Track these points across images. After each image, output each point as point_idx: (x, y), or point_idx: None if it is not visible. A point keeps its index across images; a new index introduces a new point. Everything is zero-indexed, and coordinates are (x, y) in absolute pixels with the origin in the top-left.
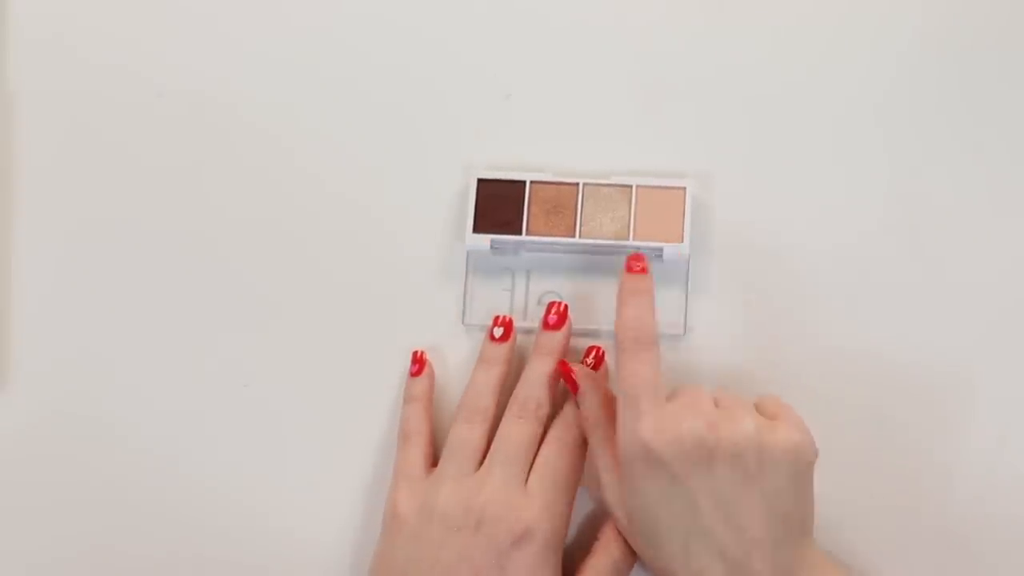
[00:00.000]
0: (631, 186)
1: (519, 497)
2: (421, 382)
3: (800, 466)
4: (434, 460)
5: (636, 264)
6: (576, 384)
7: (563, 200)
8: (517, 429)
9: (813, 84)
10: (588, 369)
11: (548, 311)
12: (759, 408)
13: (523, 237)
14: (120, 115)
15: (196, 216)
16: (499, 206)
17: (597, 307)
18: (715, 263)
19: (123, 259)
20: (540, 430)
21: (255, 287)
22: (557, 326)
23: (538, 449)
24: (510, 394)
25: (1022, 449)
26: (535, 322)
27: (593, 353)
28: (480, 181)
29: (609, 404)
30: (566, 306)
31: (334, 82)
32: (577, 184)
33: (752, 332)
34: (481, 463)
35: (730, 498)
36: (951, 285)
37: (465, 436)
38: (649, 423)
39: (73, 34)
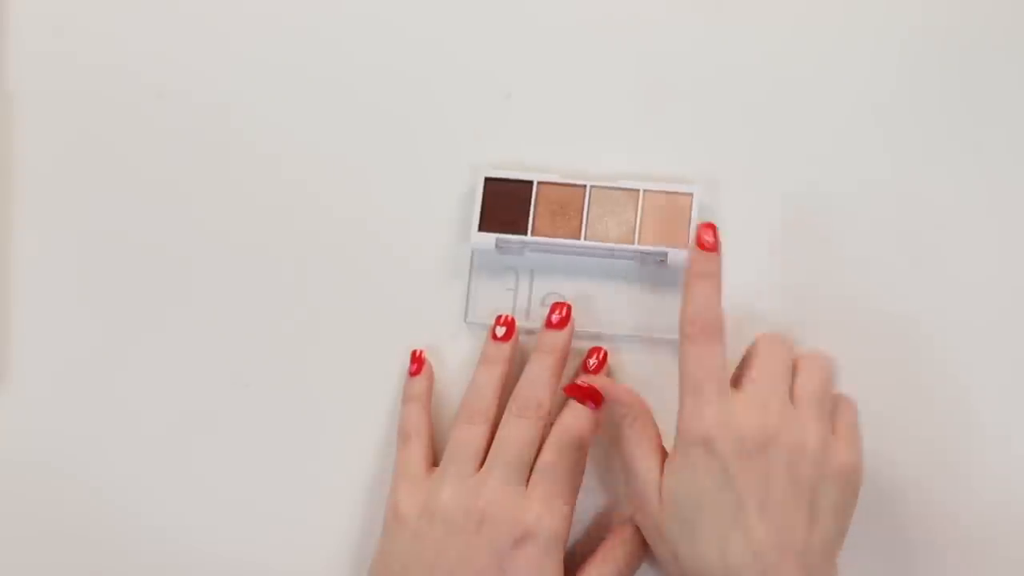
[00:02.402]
0: (638, 190)
1: (520, 498)
2: (420, 381)
3: (849, 490)
4: (434, 459)
5: (706, 238)
6: (599, 395)
7: (569, 202)
8: (518, 429)
9: (815, 88)
10: (603, 377)
11: (552, 311)
12: (834, 411)
13: (528, 237)
14: (120, 116)
15: (197, 216)
16: (505, 206)
17: (600, 310)
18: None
19: (123, 258)
20: (541, 430)
21: (258, 285)
22: (560, 326)
23: (539, 449)
24: (511, 394)
25: (1023, 448)
26: (537, 323)
27: (596, 355)
28: (487, 180)
29: (641, 399)
30: (570, 307)
31: (335, 82)
32: (584, 186)
33: (754, 335)
34: (482, 463)
35: (778, 503)
36: (953, 287)
37: (466, 436)
38: (713, 413)
39: (73, 34)
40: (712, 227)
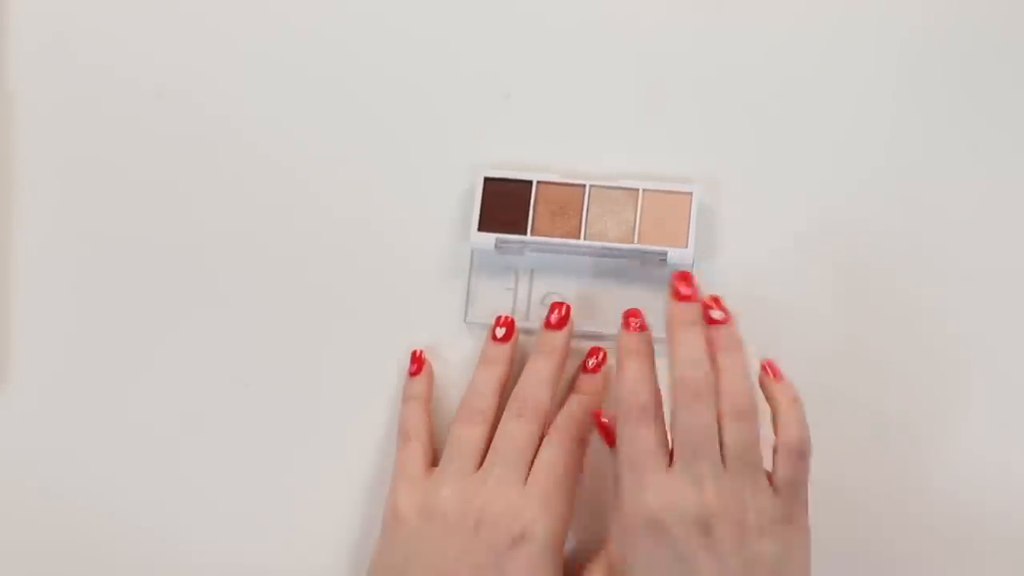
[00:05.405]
0: (638, 189)
1: (518, 497)
2: (420, 381)
3: (789, 542)
4: (434, 459)
5: (634, 321)
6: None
7: (569, 201)
8: (517, 429)
9: (815, 88)
10: None
11: (551, 311)
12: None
13: (528, 237)
14: (119, 116)
15: (197, 216)
16: (505, 205)
17: (600, 309)
18: (718, 267)
19: (123, 258)
20: (540, 430)
21: (258, 285)
22: (559, 326)
23: (538, 449)
24: (511, 394)
25: (1022, 447)
26: (537, 323)
27: (596, 355)
28: (487, 180)
29: None
30: (569, 307)
31: (335, 82)
32: (584, 186)
33: (754, 337)
34: (481, 463)
35: (733, 571)
36: (953, 287)
37: (465, 436)
38: (655, 494)
39: (72, 34)
40: (638, 313)
